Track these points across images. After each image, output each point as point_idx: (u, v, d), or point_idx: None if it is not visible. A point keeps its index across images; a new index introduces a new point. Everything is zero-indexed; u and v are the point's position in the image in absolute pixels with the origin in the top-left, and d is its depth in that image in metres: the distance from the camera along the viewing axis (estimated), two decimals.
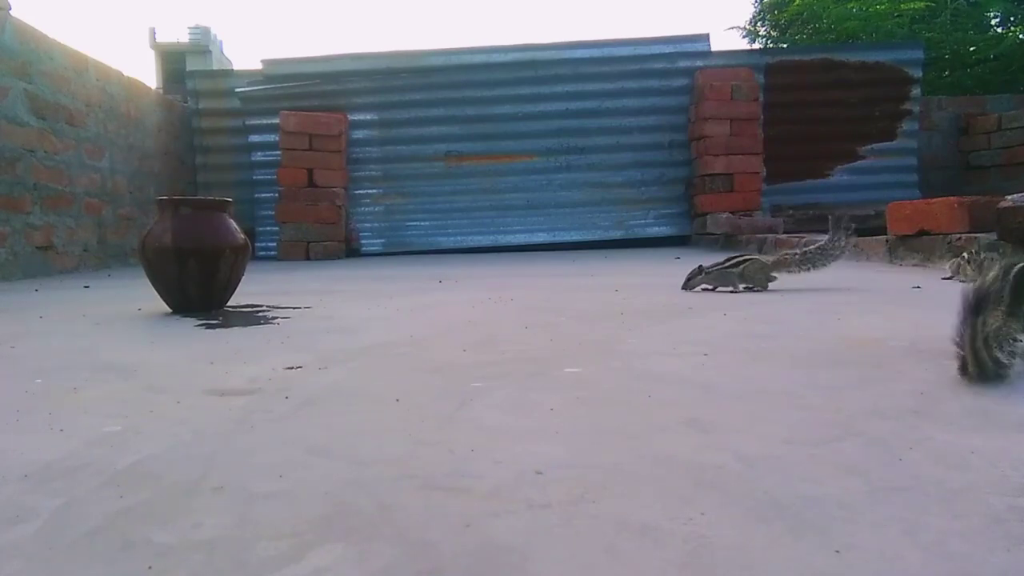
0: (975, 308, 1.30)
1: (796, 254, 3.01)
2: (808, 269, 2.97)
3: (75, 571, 0.71)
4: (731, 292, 2.94)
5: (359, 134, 7.85)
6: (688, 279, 3.04)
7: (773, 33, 13.16)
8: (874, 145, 8.03)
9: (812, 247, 3.01)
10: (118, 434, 1.15)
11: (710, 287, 3.01)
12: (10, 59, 4.94)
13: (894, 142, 8.06)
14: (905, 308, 2.38)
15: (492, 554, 0.71)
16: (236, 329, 2.31)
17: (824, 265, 2.97)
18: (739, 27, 13.38)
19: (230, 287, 2.86)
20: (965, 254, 3.18)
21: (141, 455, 1.04)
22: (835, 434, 1.06)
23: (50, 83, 5.40)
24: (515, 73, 7.82)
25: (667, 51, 7.82)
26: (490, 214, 7.93)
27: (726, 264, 3.00)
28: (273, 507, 0.84)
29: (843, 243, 2.97)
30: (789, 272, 2.98)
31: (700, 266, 3.04)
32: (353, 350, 1.87)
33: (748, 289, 2.95)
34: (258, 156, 7.91)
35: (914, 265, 4.01)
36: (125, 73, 6.67)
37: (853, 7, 10.78)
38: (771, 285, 2.98)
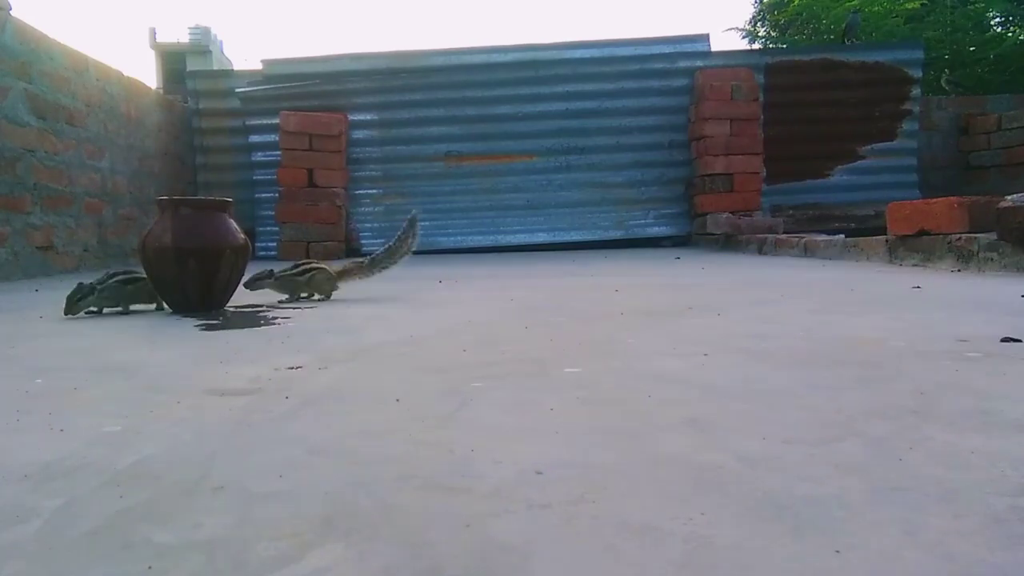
0: None
1: (364, 262, 3.07)
2: (380, 271, 3.06)
3: (75, 571, 0.71)
4: (318, 301, 2.99)
5: (359, 134, 7.85)
6: (254, 280, 2.97)
7: (772, 33, 13.17)
8: (874, 145, 8.03)
9: (379, 252, 3.11)
10: (118, 434, 1.15)
11: (282, 296, 2.98)
12: (10, 59, 4.94)
13: (894, 142, 8.07)
14: (905, 308, 2.38)
15: (492, 554, 0.71)
16: (236, 329, 2.31)
17: (393, 264, 3.06)
18: (738, 28, 13.41)
19: (230, 287, 2.86)
20: None
21: (141, 455, 1.04)
22: (835, 434, 1.06)
23: (50, 83, 5.40)
24: (515, 73, 7.82)
25: (667, 51, 7.82)
26: (490, 214, 7.93)
27: (293, 271, 2.97)
28: (273, 507, 0.84)
29: (410, 242, 3.05)
30: (361, 279, 3.04)
31: (271, 270, 2.98)
32: (353, 350, 1.87)
33: (308, 298, 2.97)
34: (258, 156, 7.91)
35: (914, 265, 4.01)
36: (125, 73, 6.68)
37: (850, 9, 10.79)
38: (348, 293, 2.99)
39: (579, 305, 2.76)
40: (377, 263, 3.07)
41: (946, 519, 0.76)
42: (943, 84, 9.18)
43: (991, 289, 2.83)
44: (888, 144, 8.06)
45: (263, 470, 0.97)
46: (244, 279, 2.88)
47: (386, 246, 3.09)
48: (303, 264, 2.99)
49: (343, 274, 3.02)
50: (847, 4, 10.84)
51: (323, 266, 3.00)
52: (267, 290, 2.93)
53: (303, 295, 2.99)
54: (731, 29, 17.50)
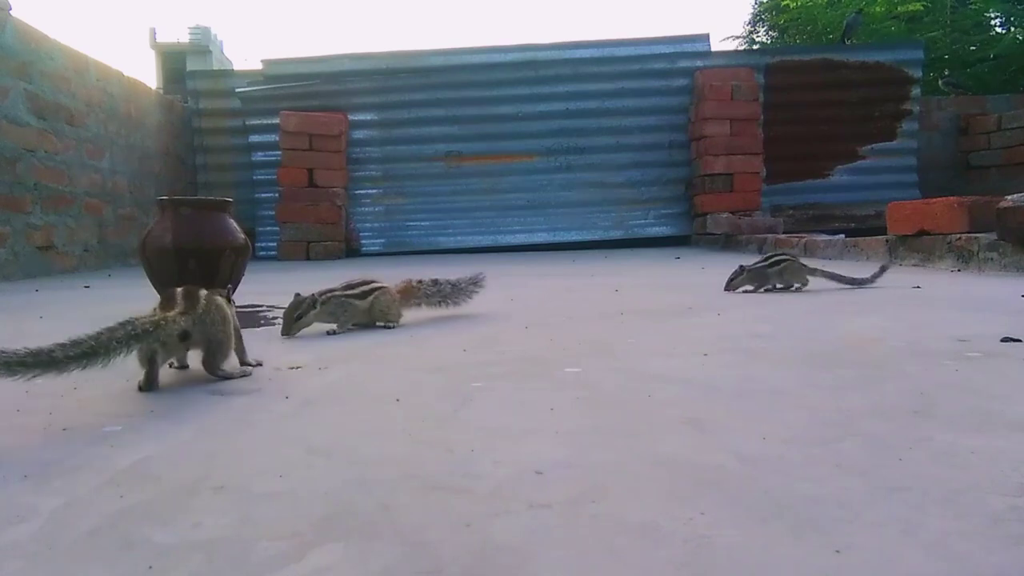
0: None
1: (427, 285, 2.46)
2: (439, 304, 2.47)
3: (75, 571, 0.71)
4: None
5: (359, 134, 7.86)
6: (294, 312, 2.13)
7: (772, 34, 13.18)
8: (874, 145, 8.04)
9: (445, 282, 2.50)
10: (118, 434, 1.15)
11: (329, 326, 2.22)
12: (10, 59, 4.94)
13: (894, 142, 8.07)
14: (905, 308, 2.38)
15: (492, 554, 0.71)
16: None
17: (456, 303, 2.50)
18: (735, 36, 13.44)
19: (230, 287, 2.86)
20: None
21: (141, 455, 1.04)
22: (835, 434, 1.06)
23: (50, 83, 5.40)
24: (515, 73, 7.82)
25: (667, 51, 7.83)
26: (490, 214, 7.94)
27: (350, 291, 2.22)
28: (273, 507, 0.84)
29: (473, 288, 2.54)
30: (417, 306, 2.43)
31: (312, 297, 2.15)
32: (353, 350, 1.87)
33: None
34: (258, 156, 7.91)
35: (914, 265, 4.01)
36: (125, 73, 6.68)
37: (849, 11, 10.80)
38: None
39: (579, 305, 2.76)
40: (442, 294, 2.47)
41: (946, 519, 0.76)
42: (941, 86, 9.19)
43: (991, 289, 2.83)
44: (888, 144, 8.06)
45: (263, 470, 0.97)
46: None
47: (452, 281, 2.53)
48: (363, 284, 2.26)
49: (407, 293, 2.40)
50: (844, 7, 10.83)
51: (386, 285, 2.32)
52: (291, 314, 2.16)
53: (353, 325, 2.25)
54: (728, 38, 17.34)
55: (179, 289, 1.53)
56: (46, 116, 5.32)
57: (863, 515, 0.78)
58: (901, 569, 0.67)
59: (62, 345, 1.27)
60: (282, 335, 2.09)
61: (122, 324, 1.35)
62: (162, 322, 1.41)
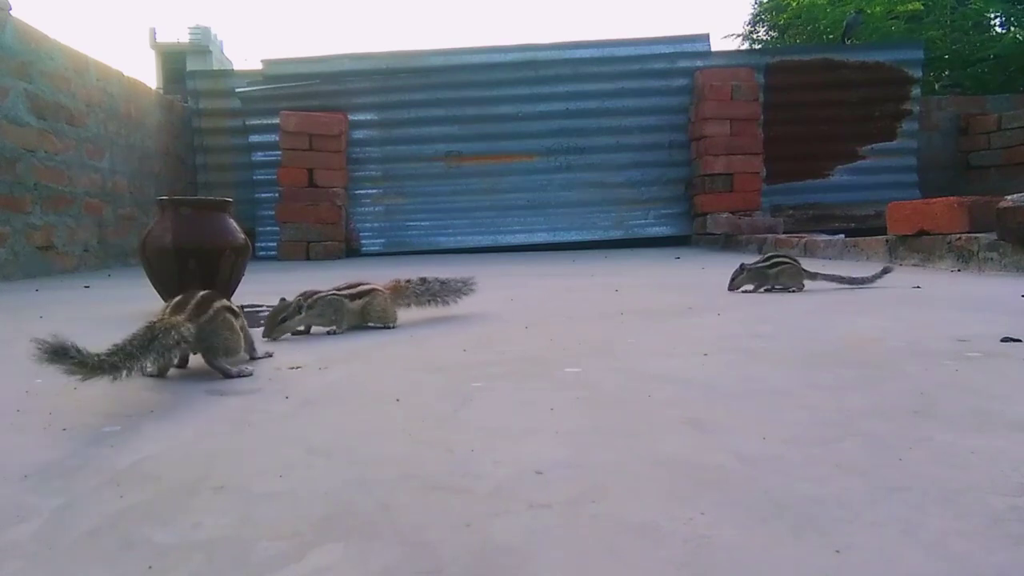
0: None
1: (415, 284, 2.42)
2: (429, 303, 2.44)
3: (75, 571, 0.71)
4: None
5: (359, 134, 7.86)
6: (277, 318, 2.09)
7: (772, 34, 13.18)
8: (874, 145, 8.04)
9: (434, 280, 2.47)
10: (118, 434, 1.15)
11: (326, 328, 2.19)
12: (10, 59, 4.94)
13: (894, 142, 8.07)
14: (905, 308, 2.38)
15: (492, 554, 0.71)
16: None
17: (445, 302, 2.47)
18: (735, 34, 13.45)
19: (230, 287, 2.86)
20: None
21: (141, 455, 1.04)
22: (835, 434, 1.06)
23: (50, 83, 5.40)
24: (515, 73, 7.83)
25: (667, 51, 7.83)
26: (490, 214, 7.94)
27: (345, 291, 2.23)
28: (273, 507, 0.84)
29: (463, 286, 2.51)
30: (407, 306, 2.39)
31: (299, 302, 2.12)
32: (353, 350, 1.87)
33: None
34: (258, 156, 7.91)
35: (914, 265, 4.01)
36: (125, 73, 6.68)
37: (849, 11, 10.81)
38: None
39: (579, 305, 2.76)
40: (430, 292, 2.44)
41: (946, 519, 0.76)
42: (936, 88, 9.18)
43: (991, 289, 2.83)
44: (888, 144, 8.06)
45: (263, 470, 0.97)
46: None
47: (442, 279, 2.49)
48: (351, 287, 2.24)
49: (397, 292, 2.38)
50: (845, 6, 10.84)
51: (378, 287, 2.30)
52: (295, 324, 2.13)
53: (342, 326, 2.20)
54: (728, 36, 17.37)
55: (194, 299, 1.60)
56: (46, 116, 5.32)
57: (863, 515, 0.78)
58: (901, 569, 0.67)
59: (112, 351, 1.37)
60: (263, 336, 2.06)
61: (147, 331, 1.43)
62: (172, 329, 1.47)
